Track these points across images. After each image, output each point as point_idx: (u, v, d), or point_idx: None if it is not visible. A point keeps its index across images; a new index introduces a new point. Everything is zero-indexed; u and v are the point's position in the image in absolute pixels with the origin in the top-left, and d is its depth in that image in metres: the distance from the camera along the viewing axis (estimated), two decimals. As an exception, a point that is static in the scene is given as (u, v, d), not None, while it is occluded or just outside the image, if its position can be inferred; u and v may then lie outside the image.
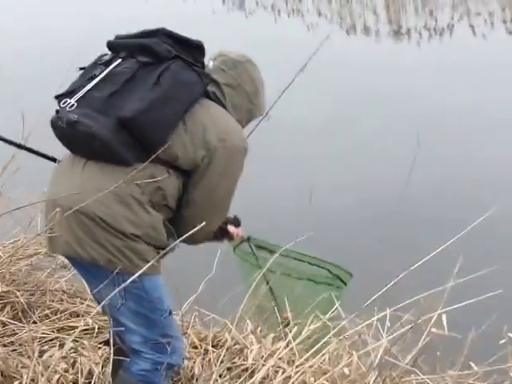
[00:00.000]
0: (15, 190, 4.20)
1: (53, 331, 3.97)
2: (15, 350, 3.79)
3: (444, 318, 3.45)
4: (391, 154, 7.30)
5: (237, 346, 3.86)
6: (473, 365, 3.49)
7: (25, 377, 3.34)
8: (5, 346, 3.79)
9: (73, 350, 3.78)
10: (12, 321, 3.94)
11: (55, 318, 4.08)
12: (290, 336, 3.69)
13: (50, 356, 3.69)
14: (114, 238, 3.05)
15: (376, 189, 6.54)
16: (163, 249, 3.07)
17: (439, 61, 10.50)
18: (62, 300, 4.28)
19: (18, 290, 4.13)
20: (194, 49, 3.19)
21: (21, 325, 3.93)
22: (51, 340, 3.92)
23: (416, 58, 10.97)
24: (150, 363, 3.20)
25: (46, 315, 4.11)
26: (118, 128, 2.93)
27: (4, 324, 3.94)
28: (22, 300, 4.07)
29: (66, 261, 4.07)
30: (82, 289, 4.41)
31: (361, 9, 14.43)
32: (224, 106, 3.24)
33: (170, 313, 3.20)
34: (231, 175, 3.22)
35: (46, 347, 3.84)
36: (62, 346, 3.86)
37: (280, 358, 3.56)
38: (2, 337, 3.84)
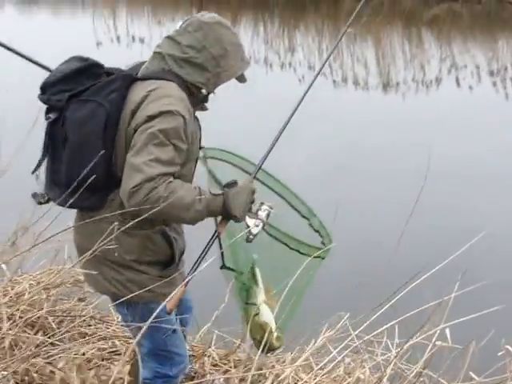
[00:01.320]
0: (42, 224, 4.20)
1: (83, 353, 4.18)
2: (48, 369, 3.96)
3: (447, 331, 3.56)
4: (380, 209, 7.47)
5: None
6: (473, 375, 3.60)
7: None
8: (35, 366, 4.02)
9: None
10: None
11: (83, 341, 4.30)
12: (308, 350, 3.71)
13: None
14: (115, 273, 3.27)
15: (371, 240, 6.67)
16: (169, 268, 3.31)
17: (427, 113, 10.78)
18: (89, 325, 4.53)
19: (49, 316, 4.34)
20: (89, 71, 3.22)
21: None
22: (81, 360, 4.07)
23: (404, 111, 11.37)
24: (151, 372, 3.41)
25: (75, 339, 4.32)
26: (68, 194, 2.98)
27: (37, 345, 4.12)
28: (53, 325, 4.29)
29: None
30: (109, 314, 4.62)
31: (351, 62, 14.79)
32: (173, 75, 3.18)
33: (175, 331, 3.35)
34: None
35: (75, 367, 3.93)
36: (90, 362, 4.17)
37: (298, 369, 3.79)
38: (37, 357, 4.03)
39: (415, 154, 8.63)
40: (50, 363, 4.08)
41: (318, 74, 3.82)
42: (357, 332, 3.53)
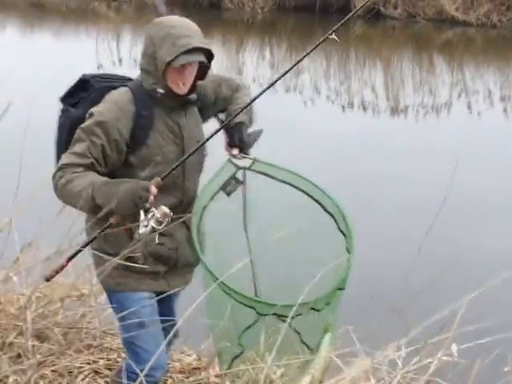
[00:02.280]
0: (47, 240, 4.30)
1: (88, 363, 4.36)
2: (55, 379, 4.17)
3: (454, 345, 3.63)
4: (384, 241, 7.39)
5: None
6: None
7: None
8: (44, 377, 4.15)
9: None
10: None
11: (88, 352, 4.46)
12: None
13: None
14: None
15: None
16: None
17: (435, 141, 10.82)
18: (95, 337, 4.62)
19: (55, 328, 4.40)
20: (85, 85, 3.57)
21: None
22: (87, 370, 4.31)
23: (412, 137, 11.30)
24: (124, 363, 3.62)
25: (81, 350, 4.44)
26: None
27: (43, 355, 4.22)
28: (59, 336, 4.37)
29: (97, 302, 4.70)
30: (114, 328, 4.68)
31: (359, 86, 14.88)
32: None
33: (142, 326, 3.45)
34: None
35: (81, 376, 4.25)
36: (96, 372, 4.34)
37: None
38: (43, 367, 4.11)
39: (423, 181, 8.87)
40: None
41: (284, 75, 3.81)
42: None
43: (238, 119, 3.56)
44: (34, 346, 4.23)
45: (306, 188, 3.48)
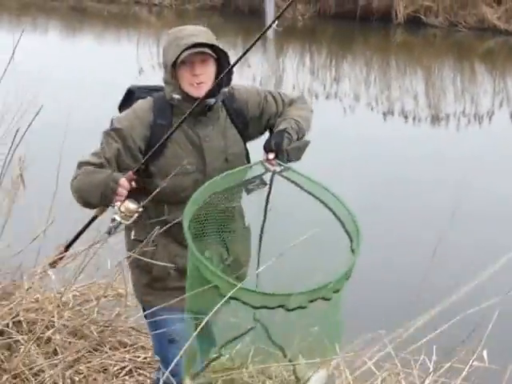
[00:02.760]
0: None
1: (123, 361, 4.44)
2: (90, 375, 4.28)
3: (485, 352, 3.64)
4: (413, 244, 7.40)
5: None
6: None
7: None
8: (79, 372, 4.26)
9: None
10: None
11: (124, 350, 4.56)
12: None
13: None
14: None
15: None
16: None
17: (477, 149, 10.76)
18: (130, 335, 4.74)
19: (91, 325, 4.55)
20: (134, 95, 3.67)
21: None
22: (122, 368, 4.42)
23: (453, 146, 11.28)
24: (156, 373, 3.72)
25: (116, 348, 4.57)
26: None
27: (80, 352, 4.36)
28: (95, 333, 4.53)
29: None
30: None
31: (400, 94, 14.88)
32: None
33: (172, 342, 3.43)
34: None
35: (115, 373, 4.36)
36: (130, 370, 4.42)
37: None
38: (78, 363, 4.28)
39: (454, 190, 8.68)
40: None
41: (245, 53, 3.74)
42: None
43: (281, 126, 3.46)
44: (70, 342, 4.37)
45: (332, 205, 3.30)
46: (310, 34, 19.26)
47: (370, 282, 6.11)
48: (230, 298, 2.79)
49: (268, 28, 3.75)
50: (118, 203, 3.30)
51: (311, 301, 2.88)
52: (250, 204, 3.47)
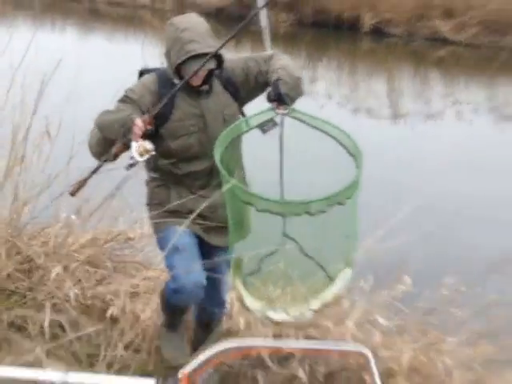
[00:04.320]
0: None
1: (132, 287, 4.46)
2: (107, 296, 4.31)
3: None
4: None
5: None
6: None
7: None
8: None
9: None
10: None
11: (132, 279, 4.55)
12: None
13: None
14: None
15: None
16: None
17: (427, 144, 10.90)
18: (137, 269, 4.76)
19: (106, 259, 4.65)
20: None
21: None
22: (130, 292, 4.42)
23: (408, 137, 11.45)
24: (165, 283, 3.70)
25: (126, 277, 4.58)
26: None
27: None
28: (108, 265, 4.62)
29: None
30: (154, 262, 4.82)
31: (366, 93, 15.02)
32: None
33: (176, 249, 3.43)
34: None
35: (126, 296, 4.27)
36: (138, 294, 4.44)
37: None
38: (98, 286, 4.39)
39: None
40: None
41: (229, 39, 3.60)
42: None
43: (273, 78, 3.40)
44: (89, 271, 4.48)
45: (335, 134, 3.27)
46: (290, 40, 19.22)
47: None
48: (264, 210, 2.83)
49: (260, 9, 3.71)
50: (135, 143, 3.32)
51: (329, 205, 2.89)
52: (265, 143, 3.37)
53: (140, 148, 3.31)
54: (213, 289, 3.73)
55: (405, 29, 19.97)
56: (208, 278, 3.52)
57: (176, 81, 3.48)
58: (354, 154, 3.19)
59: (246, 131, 3.28)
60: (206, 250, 3.70)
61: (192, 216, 3.27)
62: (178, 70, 3.47)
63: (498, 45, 18.95)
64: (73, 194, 3.64)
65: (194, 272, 3.49)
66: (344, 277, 3.22)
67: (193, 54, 3.37)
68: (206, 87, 3.56)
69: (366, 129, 11.90)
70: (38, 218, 4.19)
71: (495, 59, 18.18)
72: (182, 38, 3.40)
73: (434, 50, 18.91)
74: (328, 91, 14.79)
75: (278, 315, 3.18)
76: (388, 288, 3.99)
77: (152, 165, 3.67)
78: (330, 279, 3.21)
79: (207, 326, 3.99)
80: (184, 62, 3.41)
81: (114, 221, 4.91)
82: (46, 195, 4.14)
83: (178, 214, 3.61)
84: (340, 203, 2.92)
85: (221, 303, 3.95)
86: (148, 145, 3.32)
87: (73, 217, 4.58)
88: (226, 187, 2.96)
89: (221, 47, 3.46)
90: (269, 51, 3.76)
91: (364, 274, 4.01)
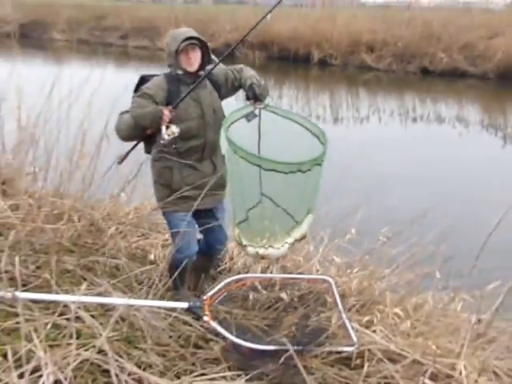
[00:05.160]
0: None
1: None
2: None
3: None
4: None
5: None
6: None
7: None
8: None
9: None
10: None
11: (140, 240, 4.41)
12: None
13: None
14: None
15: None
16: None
17: (359, 138, 10.89)
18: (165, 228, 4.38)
19: (145, 222, 4.61)
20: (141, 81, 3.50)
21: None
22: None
23: (344, 136, 11.12)
24: (171, 253, 3.50)
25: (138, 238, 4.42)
26: None
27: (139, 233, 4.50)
28: (146, 226, 4.62)
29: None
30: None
31: (315, 105, 14.86)
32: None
33: (179, 232, 3.28)
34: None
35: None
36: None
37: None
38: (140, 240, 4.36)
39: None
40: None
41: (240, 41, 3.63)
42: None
43: (248, 83, 3.35)
44: (132, 230, 4.41)
45: (301, 121, 3.21)
46: (263, 69, 19.13)
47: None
48: (256, 164, 2.75)
49: (264, 18, 3.45)
50: (165, 127, 3.24)
51: (312, 165, 2.83)
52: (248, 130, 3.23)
53: (168, 130, 3.23)
54: (214, 232, 3.62)
55: (341, 60, 19.83)
56: (208, 227, 3.47)
57: (179, 71, 3.35)
58: (318, 134, 3.12)
59: (238, 119, 3.17)
60: (203, 214, 3.52)
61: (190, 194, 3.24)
62: (178, 60, 3.32)
63: (405, 70, 18.84)
64: (120, 162, 3.56)
65: (191, 245, 3.50)
66: (307, 221, 3.16)
67: (187, 35, 3.27)
68: (201, 73, 3.42)
69: (312, 145, 11.70)
70: (97, 194, 4.10)
71: (404, 80, 18.34)
72: (176, 33, 3.32)
73: (362, 74, 18.82)
74: (289, 104, 14.62)
75: (264, 251, 3.14)
76: (341, 237, 4.00)
77: (158, 146, 3.41)
78: (297, 223, 3.15)
79: (211, 257, 3.79)
80: (181, 49, 3.28)
81: (147, 194, 4.73)
82: (104, 179, 4.02)
83: (181, 198, 3.38)
84: (318, 164, 2.88)
85: (221, 241, 3.74)
86: (174, 128, 3.24)
87: (121, 194, 4.54)
88: (233, 153, 2.82)
89: (212, 68, 3.42)
90: (239, 65, 3.62)
91: (324, 228, 4.03)
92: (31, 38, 24.89)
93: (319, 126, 3.13)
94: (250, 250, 3.14)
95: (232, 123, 3.07)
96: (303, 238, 3.17)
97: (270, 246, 3.12)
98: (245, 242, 3.15)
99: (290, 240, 3.14)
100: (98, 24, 26.66)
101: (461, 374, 2.65)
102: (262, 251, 3.11)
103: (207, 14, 23.06)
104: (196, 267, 3.65)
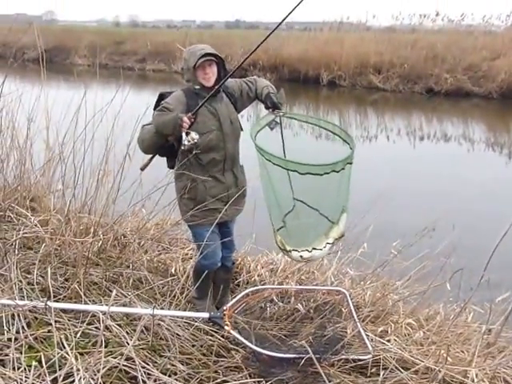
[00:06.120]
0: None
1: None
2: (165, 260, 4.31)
3: None
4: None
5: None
6: None
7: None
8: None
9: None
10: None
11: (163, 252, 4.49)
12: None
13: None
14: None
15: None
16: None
17: (368, 156, 10.67)
18: (185, 244, 4.75)
19: (165, 237, 4.68)
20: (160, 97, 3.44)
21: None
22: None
23: (355, 152, 11.16)
24: (196, 262, 3.57)
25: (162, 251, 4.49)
26: None
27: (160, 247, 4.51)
28: (167, 241, 4.68)
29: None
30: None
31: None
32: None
33: (201, 244, 3.30)
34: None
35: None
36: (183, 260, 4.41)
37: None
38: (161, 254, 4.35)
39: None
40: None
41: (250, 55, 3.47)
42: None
43: (264, 92, 3.35)
44: (153, 245, 4.45)
45: (324, 125, 3.23)
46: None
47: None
48: (292, 170, 2.70)
49: (276, 28, 3.37)
50: (185, 134, 3.20)
51: (344, 164, 2.81)
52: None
53: (189, 137, 3.21)
54: (226, 242, 3.59)
55: (350, 81, 19.83)
56: (222, 235, 3.50)
57: (197, 86, 3.32)
58: (344, 137, 3.11)
59: (262, 128, 3.16)
60: (223, 224, 3.53)
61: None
62: (195, 75, 3.29)
63: (411, 90, 18.87)
64: (142, 169, 3.53)
65: (216, 252, 3.48)
66: (343, 220, 3.10)
67: (204, 52, 3.24)
68: (219, 91, 3.37)
69: (325, 147, 11.82)
70: (121, 210, 4.12)
71: (410, 100, 18.30)
72: (194, 50, 3.29)
73: (370, 95, 18.84)
74: (300, 124, 14.54)
75: (308, 254, 3.08)
76: (353, 250, 4.02)
77: (180, 161, 3.40)
78: (334, 223, 3.09)
79: (225, 267, 3.71)
80: (198, 65, 3.26)
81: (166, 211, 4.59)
82: (126, 195, 4.07)
83: (206, 211, 3.37)
84: (349, 163, 2.86)
85: (229, 249, 3.72)
86: (194, 134, 3.22)
87: (143, 210, 4.60)
88: (267, 161, 2.80)
89: (225, 79, 3.36)
90: (252, 77, 3.61)
91: (337, 242, 4.03)
92: (55, 63, 25.23)
93: (343, 128, 3.14)
94: (294, 254, 3.10)
95: (257, 133, 3.06)
96: (341, 236, 3.11)
97: (313, 249, 3.07)
98: (288, 248, 3.10)
99: (330, 240, 3.09)
100: (116, 49, 27.18)
101: (473, 381, 2.65)
102: (306, 255, 3.05)
103: (220, 39, 23.24)
104: (214, 280, 3.66)
